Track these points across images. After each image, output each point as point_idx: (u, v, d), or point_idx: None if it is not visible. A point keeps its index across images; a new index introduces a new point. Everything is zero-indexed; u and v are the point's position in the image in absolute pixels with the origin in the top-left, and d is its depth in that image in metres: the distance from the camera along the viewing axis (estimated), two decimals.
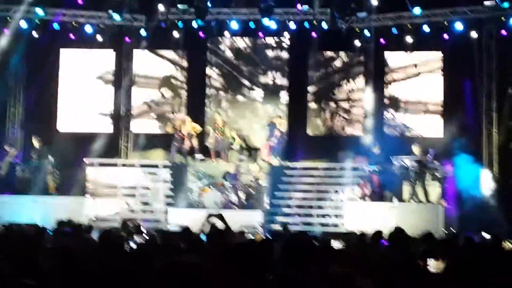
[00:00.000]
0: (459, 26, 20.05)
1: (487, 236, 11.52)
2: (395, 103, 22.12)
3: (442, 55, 21.68)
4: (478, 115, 20.66)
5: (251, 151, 21.59)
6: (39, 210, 17.45)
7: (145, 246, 8.00)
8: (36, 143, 19.29)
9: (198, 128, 20.64)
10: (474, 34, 20.16)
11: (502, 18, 19.60)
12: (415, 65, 21.93)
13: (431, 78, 21.82)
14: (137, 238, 9.51)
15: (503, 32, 19.98)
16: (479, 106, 20.73)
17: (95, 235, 9.95)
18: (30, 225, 12.99)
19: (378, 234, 8.85)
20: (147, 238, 9.28)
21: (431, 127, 21.67)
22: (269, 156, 20.41)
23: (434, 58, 21.84)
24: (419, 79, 21.96)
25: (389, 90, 22.20)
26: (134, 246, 8.17)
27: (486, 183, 19.11)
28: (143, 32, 21.95)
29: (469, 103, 20.66)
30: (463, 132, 20.09)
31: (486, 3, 19.16)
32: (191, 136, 20.39)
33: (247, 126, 22.45)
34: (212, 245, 7.49)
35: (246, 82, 22.95)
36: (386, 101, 22.13)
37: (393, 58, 22.13)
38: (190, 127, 20.43)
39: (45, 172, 19.16)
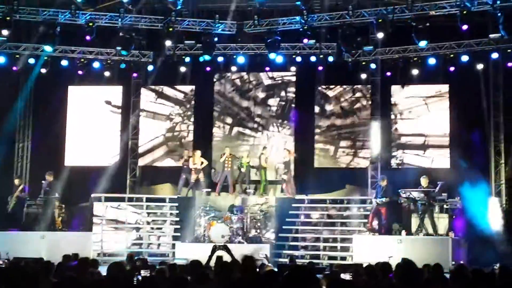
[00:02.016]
0: (465, 58, 20.12)
1: (495, 268, 11.38)
2: (401, 136, 22.09)
3: (448, 88, 21.69)
4: (486, 147, 20.63)
5: (256, 184, 21.53)
6: (46, 246, 17.41)
7: (153, 279, 7.95)
8: (49, 178, 19.21)
9: (206, 162, 20.79)
10: (480, 66, 20.22)
11: (508, 50, 19.63)
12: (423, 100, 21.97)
13: (438, 110, 21.80)
14: (143, 272, 9.45)
15: (510, 64, 20.03)
16: (486, 138, 20.72)
17: (101, 269, 9.91)
18: (37, 259, 12.95)
19: (386, 266, 8.76)
20: (154, 272, 9.21)
21: (438, 160, 21.59)
22: (294, 190, 20.46)
23: (440, 91, 21.85)
24: (425, 111, 21.95)
25: (396, 123, 22.18)
26: (141, 279, 8.13)
27: (494, 215, 18.94)
28: (150, 68, 22.13)
29: (477, 136, 20.61)
30: (470, 164, 19.99)
31: (492, 35, 19.22)
32: (198, 170, 20.51)
33: (254, 160, 22.44)
34: (219, 278, 7.44)
35: (253, 116, 23.01)
36: (393, 133, 22.11)
37: (399, 91, 22.16)
38: (198, 160, 20.56)
39: (53, 207, 19.12)
